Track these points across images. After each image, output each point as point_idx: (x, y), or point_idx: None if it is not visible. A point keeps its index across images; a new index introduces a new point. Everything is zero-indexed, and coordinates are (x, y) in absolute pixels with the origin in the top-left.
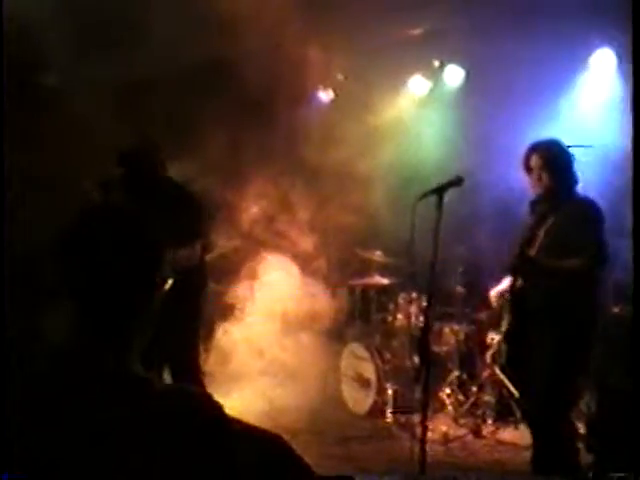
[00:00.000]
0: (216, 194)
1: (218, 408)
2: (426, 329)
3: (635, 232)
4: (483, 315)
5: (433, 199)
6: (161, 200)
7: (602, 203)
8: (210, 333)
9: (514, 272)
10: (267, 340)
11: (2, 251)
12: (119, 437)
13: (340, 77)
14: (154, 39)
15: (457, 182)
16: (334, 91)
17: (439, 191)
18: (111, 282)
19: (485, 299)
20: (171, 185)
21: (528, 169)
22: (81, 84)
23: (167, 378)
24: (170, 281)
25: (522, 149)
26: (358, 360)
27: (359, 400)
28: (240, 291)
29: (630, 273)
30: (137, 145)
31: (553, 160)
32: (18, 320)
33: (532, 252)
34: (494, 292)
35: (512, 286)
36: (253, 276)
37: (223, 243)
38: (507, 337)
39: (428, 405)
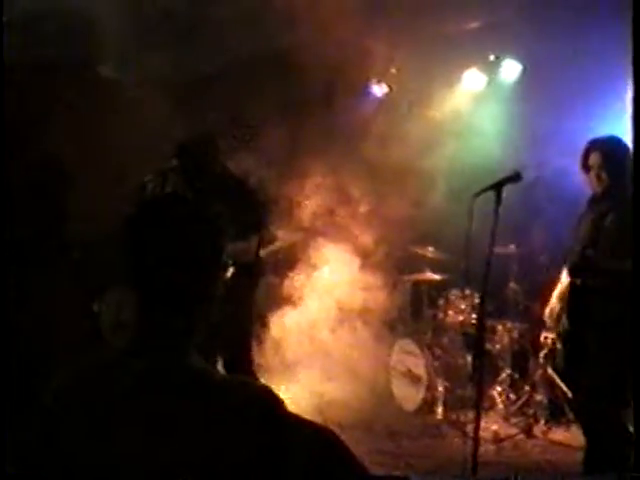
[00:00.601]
0: (274, 187)
1: (277, 401)
2: (480, 326)
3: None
4: (538, 313)
5: (490, 194)
6: (218, 192)
7: None
8: (264, 324)
9: (573, 273)
10: (319, 333)
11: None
12: (180, 429)
13: (393, 71)
14: (213, 32)
15: (515, 178)
16: (388, 85)
17: (497, 187)
18: (175, 270)
19: (540, 297)
20: (228, 178)
21: (587, 167)
22: (140, 76)
23: (220, 369)
24: (231, 269)
25: (581, 145)
26: (408, 356)
27: (409, 396)
28: (295, 283)
29: None
30: (195, 137)
31: (613, 158)
32: (82, 306)
33: (591, 252)
34: (555, 293)
35: (570, 286)
36: (309, 268)
37: (283, 236)
38: (562, 337)
39: (481, 403)
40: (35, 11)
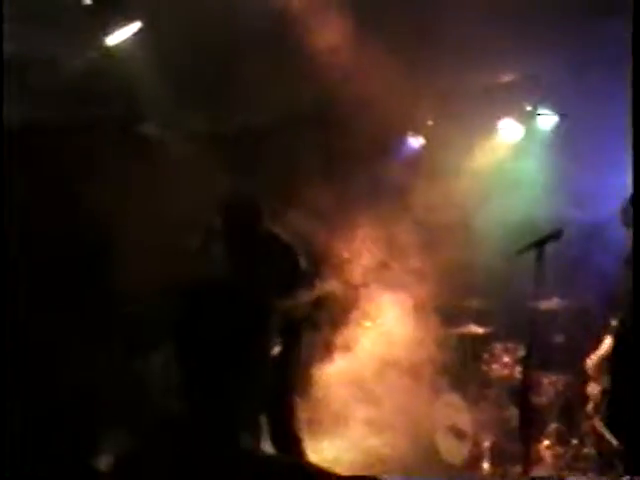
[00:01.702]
0: (323, 241)
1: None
2: (526, 380)
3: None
4: (583, 365)
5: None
6: (262, 254)
7: None
8: (311, 379)
9: (617, 338)
10: (366, 387)
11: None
12: None
13: (430, 122)
14: (254, 88)
15: (557, 235)
16: (424, 137)
17: (538, 245)
18: (225, 345)
19: (586, 348)
20: (273, 238)
21: (627, 223)
22: (182, 134)
23: (264, 426)
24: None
25: (623, 196)
26: (454, 410)
27: (454, 451)
28: (343, 336)
29: None
30: (238, 197)
31: None
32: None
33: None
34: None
35: (615, 347)
36: (357, 321)
37: (320, 286)
38: (609, 389)
39: (530, 458)
40: (74, 71)
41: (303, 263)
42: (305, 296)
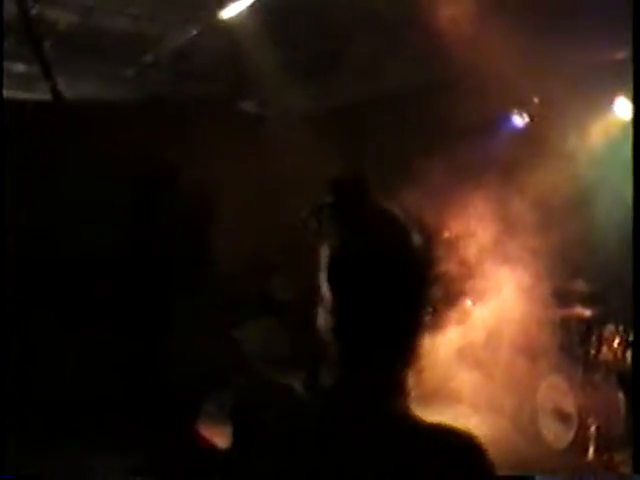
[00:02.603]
0: (431, 219)
1: (481, 450)
2: (636, 363)
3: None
4: None
5: None
6: (373, 228)
7: None
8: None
9: None
10: (468, 366)
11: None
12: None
13: (536, 100)
14: (357, 64)
15: None
16: (529, 115)
17: None
18: (382, 314)
19: None
20: (381, 213)
21: None
22: (285, 112)
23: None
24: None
25: None
26: (558, 393)
27: (558, 435)
28: (449, 314)
29: None
30: (348, 173)
31: None
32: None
33: None
34: None
35: None
36: (465, 300)
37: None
38: None
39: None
40: (184, 48)
41: (416, 240)
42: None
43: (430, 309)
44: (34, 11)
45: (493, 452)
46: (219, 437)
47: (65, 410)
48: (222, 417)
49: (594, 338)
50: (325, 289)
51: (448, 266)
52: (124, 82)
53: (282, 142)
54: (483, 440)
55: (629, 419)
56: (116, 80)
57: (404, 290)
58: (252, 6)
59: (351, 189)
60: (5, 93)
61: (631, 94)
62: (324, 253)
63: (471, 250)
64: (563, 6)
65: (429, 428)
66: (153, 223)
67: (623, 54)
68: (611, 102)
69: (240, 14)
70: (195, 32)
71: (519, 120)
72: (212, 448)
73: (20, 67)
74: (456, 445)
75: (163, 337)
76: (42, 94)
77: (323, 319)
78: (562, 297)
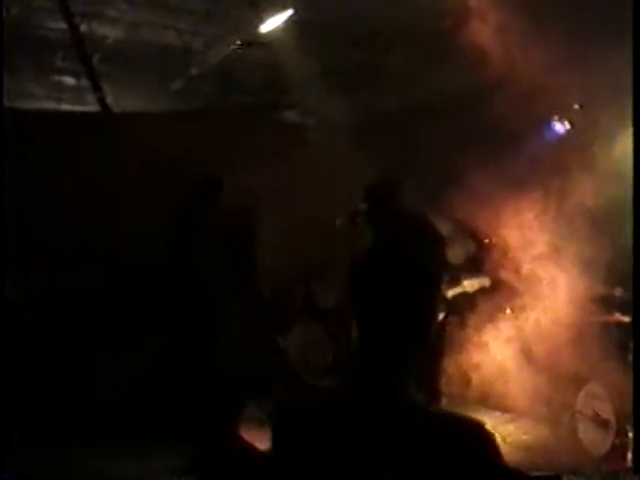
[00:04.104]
0: (468, 225)
1: (491, 440)
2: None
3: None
4: None
5: None
6: (405, 233)
7: None
8: (453, 359)
9: None
10: (504, 374)
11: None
12: (394, 463)
13: (576, 106)
14: (393, 75)
15: None
16: (570, 121)
17: None
18: (401, 307)
19: None
20: (414, 219)
21: None
22: (322, 120)
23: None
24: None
25: None
26: (596, 400)
27: (597, 441)
28: (487, 322)
29: None
30: (381, 180)
31: None
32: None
33: None
34: None
35: None
36: (503, 307)
37: (469, 282)
38: None
39: None
40: (226, 61)
41: (443, 246)
42: (468, 286)
43: (471, 315)
44: (83, 27)
45: (531, 457)
46: (260, 440)
47: (118, 414)
48: (264, 421)
49: (631, 344)
50: (358, 293)
51: (492, 273)
52: (170, 94)
53: (322, 150)
54: (522, 445)
55: None
56: (162, 92)
57: (432, 294)
58: (290, 20)
59: (383, 196)
60: (55, 105)
61: None
62: (358, 259)
63: (514, 257)
64: (604, 12)
65: (443, 416)
66: (199, 231)
67: None
68: None
69: (278, 28)
70: (237, 45)
71: (560, 127)
72: (254, 451)
73: (70, 80)
74: (468, 433)
75: (208, 342)
76: (91, 106)
77: (357, 323)
78: (602, 304)
